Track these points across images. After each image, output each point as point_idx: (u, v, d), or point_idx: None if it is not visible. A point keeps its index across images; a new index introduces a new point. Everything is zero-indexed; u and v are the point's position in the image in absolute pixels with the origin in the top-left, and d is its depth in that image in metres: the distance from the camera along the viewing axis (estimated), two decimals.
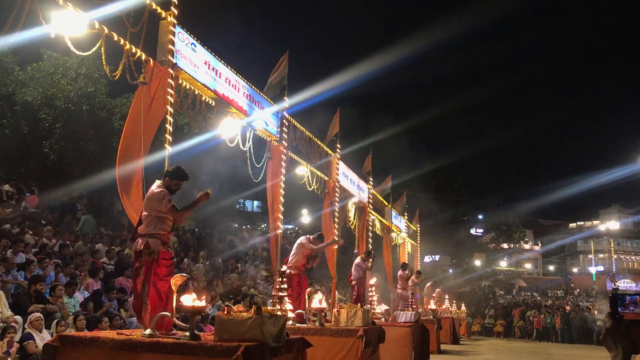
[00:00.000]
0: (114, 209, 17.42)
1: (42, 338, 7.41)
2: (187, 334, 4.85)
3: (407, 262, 18.57)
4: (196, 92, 8.32)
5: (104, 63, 6.82)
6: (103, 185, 15.81)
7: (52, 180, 15.10)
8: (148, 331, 5.02)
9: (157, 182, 5.67)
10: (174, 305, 5.23)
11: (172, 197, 5.59)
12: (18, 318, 7.99)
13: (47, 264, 10.14)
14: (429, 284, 21.03)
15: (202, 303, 4.92)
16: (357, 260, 12.67)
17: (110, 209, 17.59)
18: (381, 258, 19.69)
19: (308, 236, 9.85)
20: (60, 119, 15.20)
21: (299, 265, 9.44)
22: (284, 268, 8.49)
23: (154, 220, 5.53)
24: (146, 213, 5.61)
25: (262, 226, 28.79)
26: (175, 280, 5.19)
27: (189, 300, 4.83)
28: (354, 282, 12.50)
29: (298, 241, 9.80)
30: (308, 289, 9.38)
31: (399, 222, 22.58)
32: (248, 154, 9.90)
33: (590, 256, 61.45)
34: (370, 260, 12.54)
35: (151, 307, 5.37)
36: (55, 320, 8.24)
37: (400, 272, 16.33)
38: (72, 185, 15.23)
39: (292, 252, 9.67)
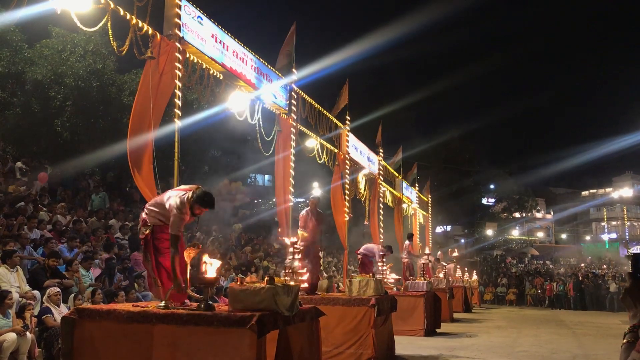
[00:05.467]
0: (126, 184, 17.56)
1: (60, 312, 7.55)
2: (202, 305, 4.93)
3: (412, 233, 18.58)
4: (204, 66, 8.30)
5: (111, 38, 6.82)
6: (115, 161, 15.93)
7: (64, 157, 15.19)
8: (163, 303, 5.10)
9: (183, 198, 5.26)
10: (188, 276, 5.31)
11: (191, 216, 5.35)
12: (36, 293, 8.15)
13: (76, 244, 10.40)
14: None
15: (215, 274, 4.99)
16: (375, 247, 12.65)
17: (122, 185, 17.72)
18: (392, 229, 19.76)
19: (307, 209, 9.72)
20: (70, 96, 15.23)
21: (309, 237, 9.38)
22: (294, 239, 8.56)
23: (159, 207, 5.42)
24: (159, 201, 5.47)
25: (273, 200, 28.88)
26: (189, 253, 5.25)
27: (209, 272, 4.91)
28: (360, 256, 12.63)
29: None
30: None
31: (410, 193, 22.60)
32: (257, 128, 9.90)
33: (603, 224, 61.22)
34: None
35: (159, 280, 5.43)
36: (73, 295, 8.39)
37: (406, 243, 16.32)
38: (84, 161, 15.32)
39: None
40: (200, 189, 5.35)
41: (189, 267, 5.31)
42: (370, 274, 9.23)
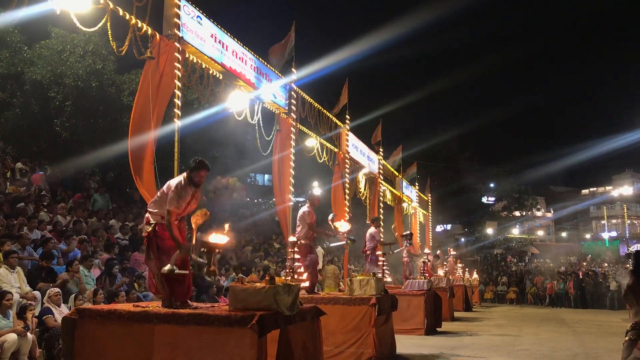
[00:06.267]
0: (126, 184, 17.54)
1: (61, 312, 7.55)
2: (205, 270, 5.00)
3: (412, 232, 18.58)
4: (204, 66, 8.30)
5: (111, 39, 6.81)
6: (115, 161, 15.91)
7: (63, 157, 15.19)
8: (168, 267, 5.14)
9: (181, 177, 5.52)
10: (193, 242, 5.42)
11: (195, 189, 5.53)
12: (37, 293, 8.15)
13: (73, 240, 10.45)
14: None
15: (224, 240, 5.11)
16: (371, 230, 12.75)
17: (123, 185, 17.71)
18: (393, 228, 19.76)
19: (308, 205, 9.52)
20: (69, 96, 15.22)
21: (309, 235, 9.31)
22: (294, 239, 8.56)
23: (160, 201, 5.56)
24: (160, 196, 5.61)
25: (274, 199, 28.81)
26: (196, 219, 5.39)
27: (215, 238, 5.07)
28: (368, 252, 12.61)
29: (300, 212, 9.47)
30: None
31: (410, 192, 22.60)
32: (257, 127, 9.89)
33: (603, 222, 61.18)
34: (380, 226, 12.68)
35: (163, 278, 5.43)
36: (73, 295, 8.38)
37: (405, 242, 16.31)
38: (83, 161, 15.32)
39: (297, 223, 9.48)
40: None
41: (195, 233, 5.43)
42: (372, 273, 9.22)
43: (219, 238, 5.08)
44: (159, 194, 5.64)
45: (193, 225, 5.38)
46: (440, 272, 18.05)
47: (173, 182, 5.48)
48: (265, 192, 30.21)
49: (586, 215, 65.52)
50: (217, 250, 5.26)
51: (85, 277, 9.28)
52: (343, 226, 10.18)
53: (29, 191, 12.76)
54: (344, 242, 10.43)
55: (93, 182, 16.24)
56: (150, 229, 5.46)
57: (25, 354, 6.96)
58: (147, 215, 5.60)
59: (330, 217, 10.09)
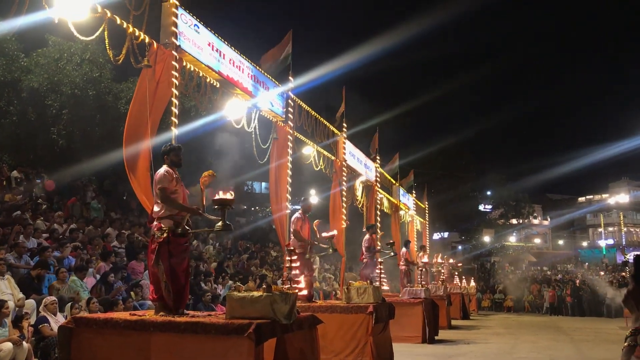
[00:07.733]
0: (123, 192, 17.52)
1: (57, 321, 7.51)
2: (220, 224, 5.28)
3: (409, 240, 18.55)
4: (201, 74, 8.31)
5: (108, 47, 6.81)
6: (111, 170, 15.90)
7: (60, 165, 15.17)
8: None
9: (163, 167, 5.85)
10: (204, 202, 5.71)
11: (177, 173, 5.85)
12: (31, 301, 8.11)
13: (67, 247, 10.45)
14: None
15: (231, 196, 5.29)
16: (366, 237, 12.76)
17: (119, 193, 17.68)
18: (390, 237, 19.73)
19: (300, 212, 9.56)
20: (66, 104, 15.21)
21: (302, 243, 9.31)
22: (291, 247, 8.53)
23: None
24: (155, 197, 5.77)
25: (270, 207, 28.78)
26: (204, 180, 5.64)
27: (224, 195, 5.24)
28: (365, 260, 12.59)
29: (292, 218, 9.48)
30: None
31: (407, 200, 22.58)
32: (254, 135, 9.89)
33: (599, 230, 61.28)
34: (376, 233, 12.67)
35: (171, 285, 5.41)
36: (69, 304, 8.34)
37: (403, 250, 16.33)
38: (80, 169, 15.30)
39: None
40: None
41: (204, 193, 5.69)
42: (368, 281, 9.20)
43: (226, 195, 5.29)
44: (156, 199, 5.73)
45: (201, 187, 5.70)
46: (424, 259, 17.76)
47: (159, 170, 5.83)
48: (262, 200, 30.19)
49: (583, 223, 65.65)
50: (228, 207, 5.39)
51: (78, 287, 9.19)
52: (329, 231, 10.13)
53: (25, 199, 12.73)
54: (326, 251, 10.30)
55: (91, 190, 16.20)
56: (164, 235, 5.51)
57: None
58: (156, 222, 5.63)
59: (314, 222, 10.03)
